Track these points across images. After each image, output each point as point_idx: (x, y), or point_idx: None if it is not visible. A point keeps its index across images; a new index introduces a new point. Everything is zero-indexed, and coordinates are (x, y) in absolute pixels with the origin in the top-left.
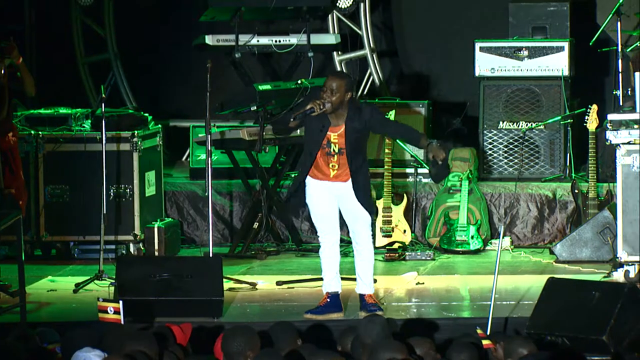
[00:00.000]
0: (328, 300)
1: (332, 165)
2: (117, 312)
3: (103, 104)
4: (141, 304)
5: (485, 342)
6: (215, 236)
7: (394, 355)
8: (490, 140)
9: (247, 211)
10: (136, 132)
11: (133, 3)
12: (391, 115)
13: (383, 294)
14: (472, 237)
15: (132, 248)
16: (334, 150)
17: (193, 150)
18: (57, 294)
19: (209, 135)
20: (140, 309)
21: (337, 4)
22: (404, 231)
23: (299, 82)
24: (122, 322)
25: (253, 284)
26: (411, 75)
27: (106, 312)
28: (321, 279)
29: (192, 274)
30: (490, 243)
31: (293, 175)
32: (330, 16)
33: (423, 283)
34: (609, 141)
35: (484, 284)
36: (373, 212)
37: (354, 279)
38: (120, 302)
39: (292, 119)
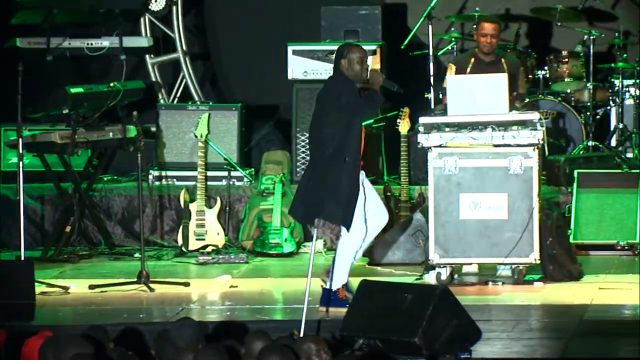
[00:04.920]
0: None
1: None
2: None
3: None
4: None
5: None
6: (27, 240)
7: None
8: (303, 144)
9: (60, 215)
10: None
11: None
12: None
13: (197, 297)
14: (286, 240)
15: None
16: None
17: (4, 153)
18: None
19: (20, 139)
20: None
21: (150, 7)
22: (218, 234)
23: (112, 85)
24: None
25: (65, 288)
26: (224, 78)
27: None
28: (135, 283)
29: (3, 278)
30: (304, 246)
31: (106, 179)
32: (142, 19)
33: (237, 286)
34: (420, 144)
35: (297, 286)
36: None
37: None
38: None
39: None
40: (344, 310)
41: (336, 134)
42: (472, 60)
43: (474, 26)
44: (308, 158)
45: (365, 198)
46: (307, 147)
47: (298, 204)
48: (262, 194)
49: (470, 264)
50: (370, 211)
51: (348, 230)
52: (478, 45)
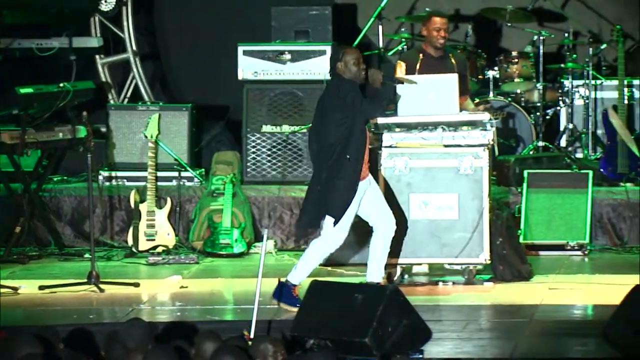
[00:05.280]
0: None
1: None
2: None
3: None
4: None
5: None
6: None
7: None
8: (253, 144)
9: (9, 215)
10: None
11: None
12: None
13: (147, 298)
14: (236, 241)
15: None
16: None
17: None
18: None
19: None
20: None
21: (100, 7)
22: (168, 234)
23: (61, 85)
24: None
25: (15, 288)
26: (174, 78)
27: None
28: (85, 283)
29: None
30: (254, 246)
31: (56, 179)
32: (92, 19)
33: (187, 286)
34: (371, 144)
35: (247, 287)
36: None
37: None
38: None
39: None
40: (293, 309)
41: (342, 136)
42: (421, 56)
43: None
44: (259, 158)
45: (359, 205)
46: (258, 147)
47: (309, 211)
48: (212, 194)
49: (421, 264)
50: (375, 218)
51: (337, 221)
52: (427, 41)
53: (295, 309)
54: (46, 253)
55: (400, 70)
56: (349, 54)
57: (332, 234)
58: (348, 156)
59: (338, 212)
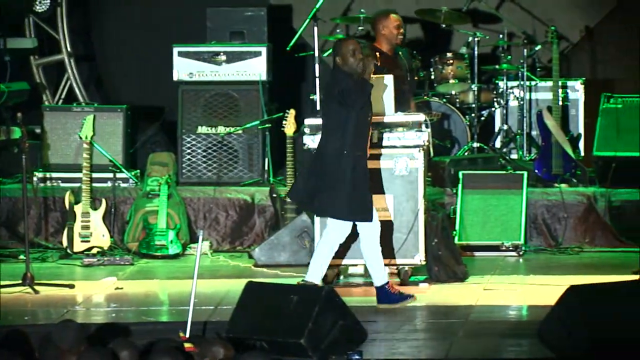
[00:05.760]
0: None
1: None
2: None
3: None
4: None
5: (187, 345)
6: None
7: None
8: (189, 145)
9: None
10: None
11: None
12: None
13: (82, 299)
14: (171, 242)
15: None
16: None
17: None
18: None
19: None
20: None
21: (34, 8)
22: (103, 236)
23: None
24: None
25: None
26: (109, 79)
27: None
28: (19, 285)
29: None
30: (190, 247)
31: None
32: (27, 20)
33: (122, 288)
34: (306, 145)
35: (183, 288)
36: None
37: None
38: None
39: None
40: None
41: (339, 127)
42: (378, 54)
43: (360, 27)
44: (194, 159)
45: None
46: (193, 148)
47: (301, 189)
48: (147, 195)
49: (356, 265)
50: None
51: (370, 220)
52: (383, 39)
53: None
54: None
55: None
56: (345, 46)
57: (342, 224)
58: (345, 151)
59: (350, 215)
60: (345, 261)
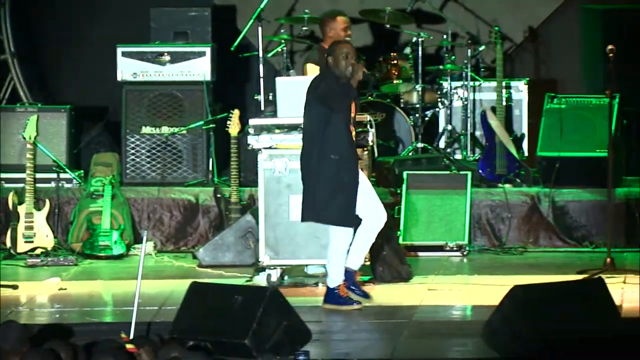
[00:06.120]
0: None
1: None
2: None
3: None
4: None
5: (129, 346)
6: None
7: None
8: (133, 145)
9: None
10: None
11: None
12: None
13: (25, 300)
14: (115, 242)
15: None
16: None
17: None
18: None
19: None
20: None
21: None
22: (47, 236)
23: None
24: None
25: None
26: (52, 79)
27: None
28: None
29: None
30: (134, 248)
31: None
32: None
33: (66, 289)
34: (250, 146)
35: (127, 288)
36: None
37: None
38: None
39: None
40: (343, 307)
41: (320, 129)
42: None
43: (304, 28)
44: (138, 159)
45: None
46: (137, 148)
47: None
48: (91, 196)
49: (300, 265)
50: (365, 211)
51: (349, 225)
52: (330, 41)
53: (349, 307)
54: None
55: (312, 72)
56: (339, 48)
57: (339, 232)
58: (332, 155)
59: (338, 221)
60: (288, 261)
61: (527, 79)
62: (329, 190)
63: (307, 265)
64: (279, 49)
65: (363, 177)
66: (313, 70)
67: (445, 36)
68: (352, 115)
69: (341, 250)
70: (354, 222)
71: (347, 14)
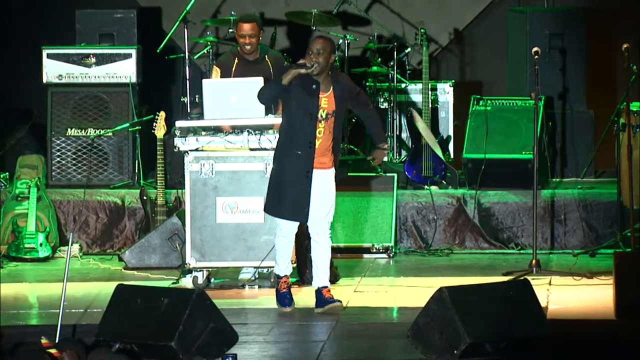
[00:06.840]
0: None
1: (318, 131)
2: None
3: None
4: None
5: (52, 350)
6: None
7: None
8: (58, 147)
9: None
10: None
11: None
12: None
13: None
14: (41, 245)
15: None
16: (321, 116)
17: None
18: None
19: None
20: None
21: None
22: None
23: None
24: None
25: None
26: None
27: None
28: None
29: None
30: (60, 250)
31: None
32: None
33: None
34: (177, 148)
35: (53, 291)
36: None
37: None
38: None
39: (282, 79)
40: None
41: (282, 122)
42: (236, 60)
43: (230, 30)
44: (64, 162)
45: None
46: (63, 150)
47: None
48: (16, 198)
49: (227, 267)
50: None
51: (282, 217)
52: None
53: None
54: None
55: (216, 75)
56: (310, 44)
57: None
58: (299, 152)
59: (269, 211)
60: (215, 263)
61: (453, 81)
62: (272, 182)
63: (240, 272)
64: (205, 51)
65: (323, 177)
66: (217, 73)
67: (371, 38)
68: (322, 110)
69: (277, 242)
70: (281, 213)
71: (274, 17)
